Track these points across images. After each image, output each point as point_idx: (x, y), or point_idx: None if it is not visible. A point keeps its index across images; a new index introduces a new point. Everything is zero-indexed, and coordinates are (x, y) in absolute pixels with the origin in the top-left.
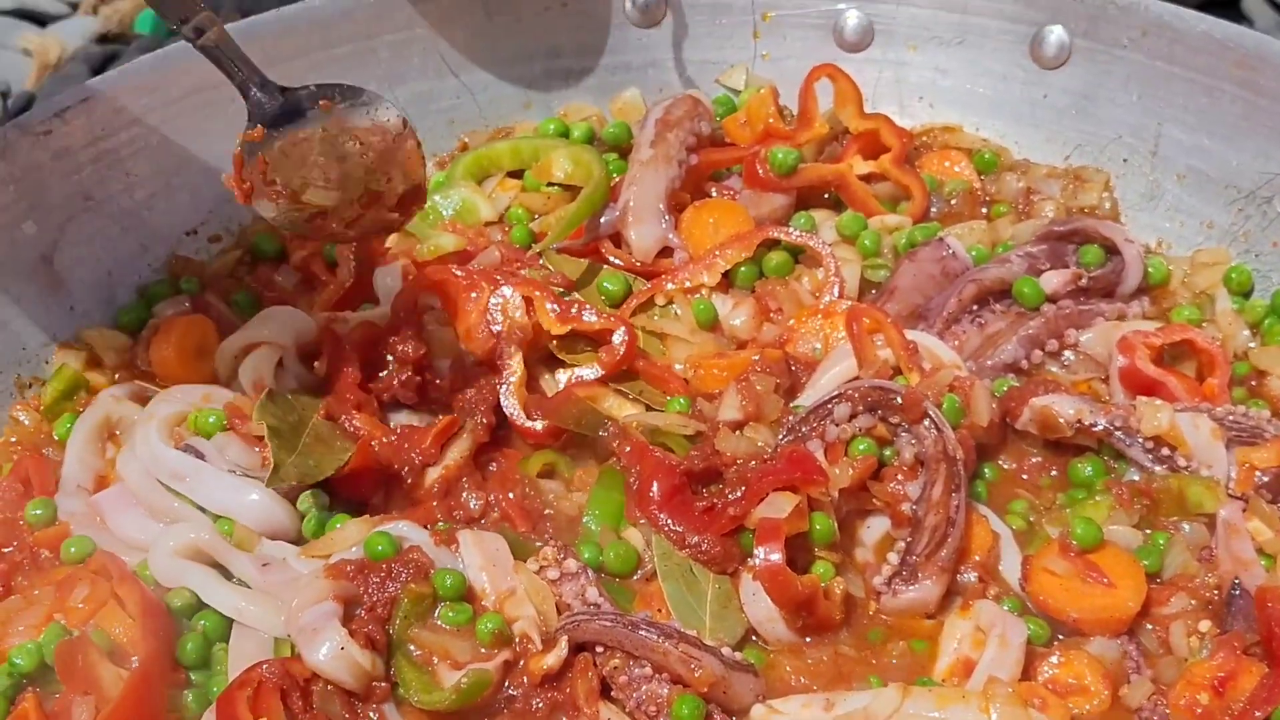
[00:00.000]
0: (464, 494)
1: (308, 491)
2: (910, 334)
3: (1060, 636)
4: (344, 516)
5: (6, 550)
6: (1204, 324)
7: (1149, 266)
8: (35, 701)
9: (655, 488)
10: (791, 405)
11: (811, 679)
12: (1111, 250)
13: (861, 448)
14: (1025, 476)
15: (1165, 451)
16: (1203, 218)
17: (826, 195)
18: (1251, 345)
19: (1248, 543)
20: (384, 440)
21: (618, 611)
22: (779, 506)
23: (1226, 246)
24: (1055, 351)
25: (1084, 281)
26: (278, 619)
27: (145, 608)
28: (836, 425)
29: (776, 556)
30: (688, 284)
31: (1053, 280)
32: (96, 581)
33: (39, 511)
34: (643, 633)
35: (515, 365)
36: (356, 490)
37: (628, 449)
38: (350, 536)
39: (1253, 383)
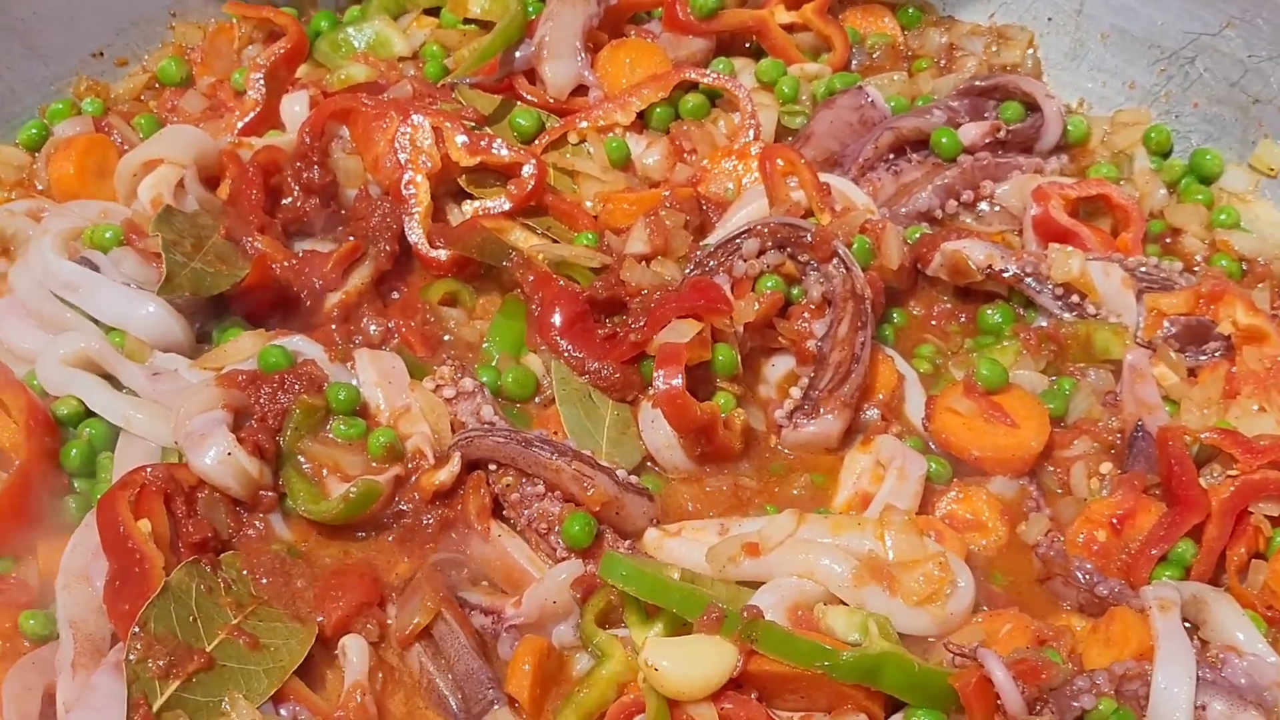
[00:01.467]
0: (364, 320)
1: None
2: (824, 176)
3: (960, 478)
4: (237, 329)
5: None
6: (1121, 182)
7: (1069, 124)
8: None
9: (557, 314)
10: (700, 243)
11: (708, 507)
12: (1032, 106)
13: (769, 284)
14: (934, 322)
15: (1075, 299)
16: (1125, 78)
17: (747, 45)
18: (1167, 204)
19: (1153, 387)
20: (284, 264)
21: (512, 429)
22: (681, 332)
23: (1148, 107)
24: (970, 203)
25: (1003, 134)
26: (166, 428)
27: (30, 414)
28: (744, 260)
29: (676, 381)
30: (601, 122)
31: (971, 132)
32: None
33: None
34: (536, 449)
35: (421, 195)
36: (254, 311)
37: (531, 278)
38: (244, 348)
39: (1167, 240)
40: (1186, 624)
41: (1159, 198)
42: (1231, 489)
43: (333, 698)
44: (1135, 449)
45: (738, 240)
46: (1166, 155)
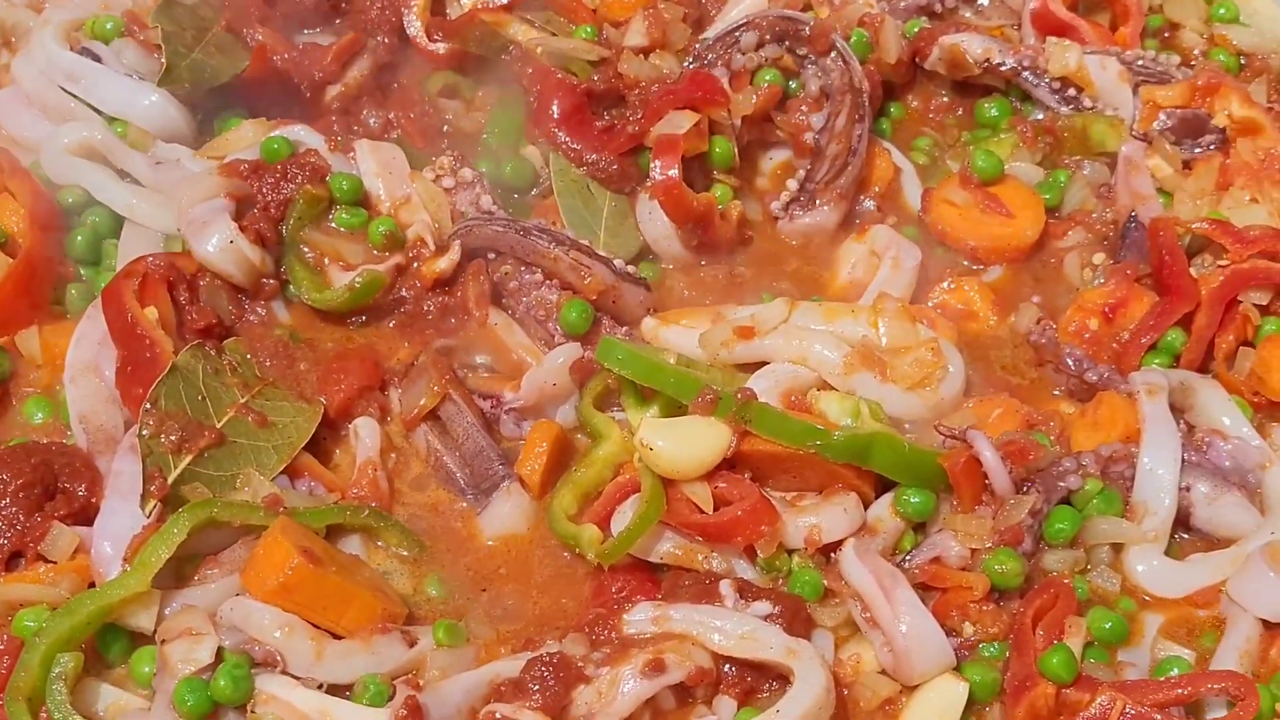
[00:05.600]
0: (363, 112)
1: None
2: None
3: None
4: (238, 120)
5: None
6: None
7: None
8: None
9: (555, 106)
10: (699, 37)
11: (705, 294)
12: None
13: (767, 78)
14: (932, 115)
15: (1071, 92)
16: None
17: None
18: None
19: (1147, 178)
20: (284, 56)
21: (511, 218)
22: (677, 124)
23: None
24: None
25: None
26: (169, 216)
27: (35, 201)
28: (743, 54)
29: (673, 172)
30: None
31: None
32: None
33: None
34: (535, 238)
35: None
36: (255, 102)
37: (530, 71)
38: (245, 137)
39: (1165, 34)
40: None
41: None
42: (1221, 278)
43: (343, 476)
44: (1128, 239)
45: (736, 33)
46: None
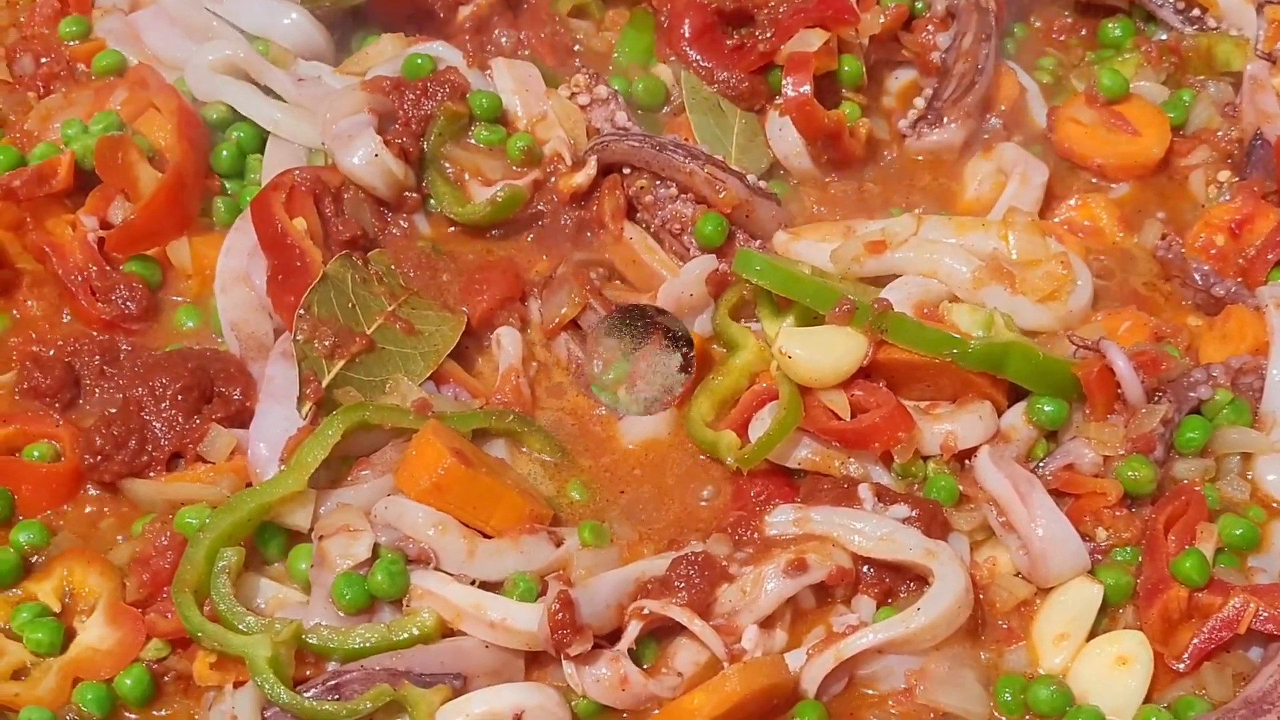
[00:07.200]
0: (495, 31)
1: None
2: None
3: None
4: (375, 36)
5: (44, 60)
6: None
7: None
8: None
9: (686, 25)
10: None
11: (834, 209)
12: None
13: None
14: (1056, 35)
15: (1195, 12)
16: None
17: None
18: None
19: (1272, 96)
20: None
21: (646, 134)
22: (808, 41)
23: None
24: None
25: None
26: (313, 131)
27: (181, 116)
28: None
29: (805, 89)
30: None
31: None
32: (135, 89)
33: (73, 28)
34: (670, 153)
35: None
36: (389, 21)
37: None
38: (385, 51)
39: None
40: None
41: None
42: None
43: (487, 383)
44: (1254, 157)
45: None
46: None
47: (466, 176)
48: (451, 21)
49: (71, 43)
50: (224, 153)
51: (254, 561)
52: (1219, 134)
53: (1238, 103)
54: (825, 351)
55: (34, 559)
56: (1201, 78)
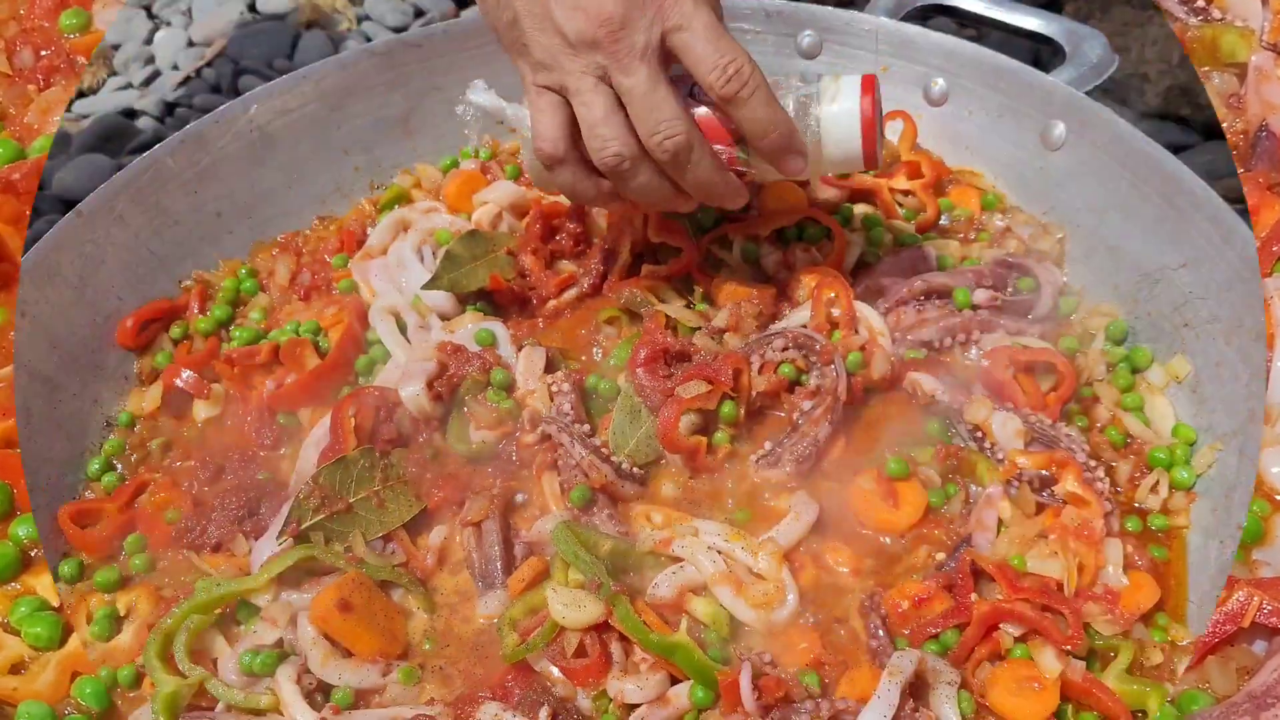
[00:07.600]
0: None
1: None
2: (858, 304)
3: None
4: (475, 306)
5: (44, 53)
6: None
7: (1061, 302)
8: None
9: (642, 354)
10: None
11: (690, 500)
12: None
13: (785, 369)
14: None
15: (1200, 3)
16: (1114, 281)
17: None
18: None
19: (1278, 88)
20: (514, 278)
21: (570, 423)
22: (690, 389)
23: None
24: (964, 343)
25: (998, 302)
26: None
27: (348, 330)
28: (773, 350)
29: (668, 414)
30: None
31: (980, 295)
32: (344, 307)
33: (74, 21)
34: (575, 441)
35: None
36: (498, 301)
37: (652, 324)
38: (465, 320)
39: None
40: None
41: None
42: None
43: (421, 548)
44: (1259, 148)
45: (772, 337)
46: (1119, 343)
47: (472, 423)
48: (541, 309)
49: (72, 35)
50: (362, 361)
51: (230, 622)
52: (1224, 125)
53: (1243, 94)
54: (573, 607)
55: (33, 553)
56: (1206, 69)
